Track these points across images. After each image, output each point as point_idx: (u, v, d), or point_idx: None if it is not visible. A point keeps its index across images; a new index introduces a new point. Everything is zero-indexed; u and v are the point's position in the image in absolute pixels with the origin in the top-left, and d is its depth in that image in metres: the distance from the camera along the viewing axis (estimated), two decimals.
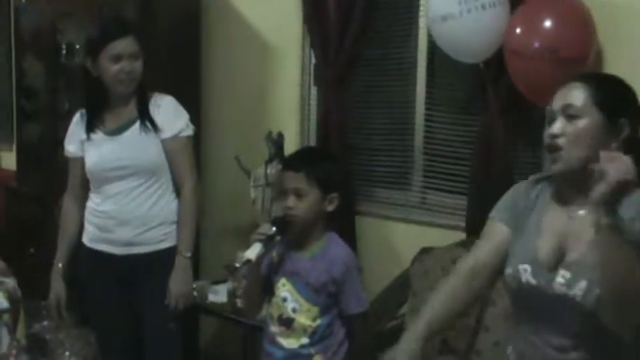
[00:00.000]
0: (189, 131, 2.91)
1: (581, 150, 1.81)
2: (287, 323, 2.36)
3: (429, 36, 3.32)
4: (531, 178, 2.04)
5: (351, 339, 2.40)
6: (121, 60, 2.76)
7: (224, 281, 3.52)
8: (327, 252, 2.36)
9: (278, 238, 2.30)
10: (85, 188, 2.93)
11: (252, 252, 2.27)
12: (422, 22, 3.38)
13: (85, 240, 2.94)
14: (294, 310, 2.35)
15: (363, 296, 2.40)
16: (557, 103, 1.87)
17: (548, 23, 2.66)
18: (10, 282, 3.36)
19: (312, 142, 3.76)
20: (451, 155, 3.34)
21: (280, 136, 3.50)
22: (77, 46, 3.98)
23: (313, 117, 3.78)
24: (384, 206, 3.58)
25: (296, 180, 2.33)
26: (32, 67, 4.51)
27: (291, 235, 2.35)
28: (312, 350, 2.35)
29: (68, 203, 2.98)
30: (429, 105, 3.42)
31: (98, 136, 2.87)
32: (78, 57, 3.90)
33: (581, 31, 2.67)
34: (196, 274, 3.24)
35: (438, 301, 1.99)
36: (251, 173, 3.54)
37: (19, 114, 4.73)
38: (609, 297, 1.71)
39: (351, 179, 3.53)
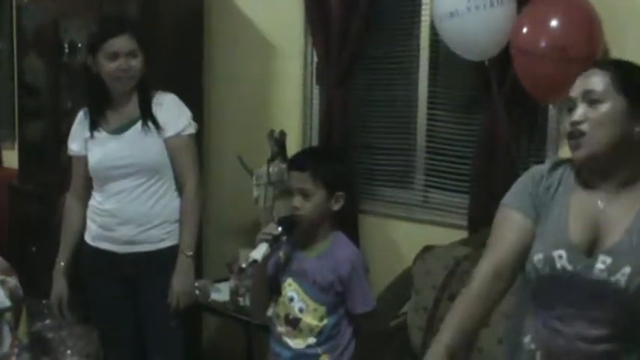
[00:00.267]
0: (192, 129, 2.91)
1: (605, 135, 1.77)
2: (293, 323, 2.35)
3: (432, 34, 3.33)
4: (548, 162, 1.99)
5: (358, 339, 2.39)
6: (117, 57, 2.77)
7: (226, 279, 3.52)
8: (333, 251, 2.35)
9: (284, 238, 2.29)
10: (88, 187, 2.93)
11: (259, 252, 2.25)
12: (424, 21, 3.38)
13: (87, 238, 2.94)
14: (300, 310, 2.34)
15: (370, 296, 2.38)
16: (576, 90, 1.84)
17: (555, 22, 2.66)
18: (12, 280, 3.35)
19: (315, 141, 3.76)
20: (453, 154, 3.34)
21: (282, 134, 3.50)
22: (79, 45, 3.98)
23: (315, 115, 3.78)
24: (387, 205, 3.58)
25: (302, 180, 2.31)
26: (34, 65, 4.51)
27: (298, 234, 2.34)
28: (319, 350, 2.33)
29: (71, 202, 2.98)
30: (431, 104, 3.42)
31: (101, 134, 2.87)
32: (80, 55, 3.91)
33: (589, 30, 2.67)
34: (199, 273, 3.24)
35: (462, 311, 1.87)
36: (253, 172, 3.54)
37: (21, 112, 4.73)
38: None
39: (353, 178, 3.53)
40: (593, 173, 1.85)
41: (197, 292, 3.21)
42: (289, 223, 2.31)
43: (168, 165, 2.86)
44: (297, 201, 2.31)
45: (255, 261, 2.26)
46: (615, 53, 2.73)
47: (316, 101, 3.79)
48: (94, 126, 2.88)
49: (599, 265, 1.77)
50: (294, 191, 2.33)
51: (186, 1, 4.04)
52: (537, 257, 1.84)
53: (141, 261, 2.84)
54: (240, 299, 3.34)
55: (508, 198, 1.94)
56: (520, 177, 1.96)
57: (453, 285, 2.80)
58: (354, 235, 3.37)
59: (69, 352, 3.51)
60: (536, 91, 2.73)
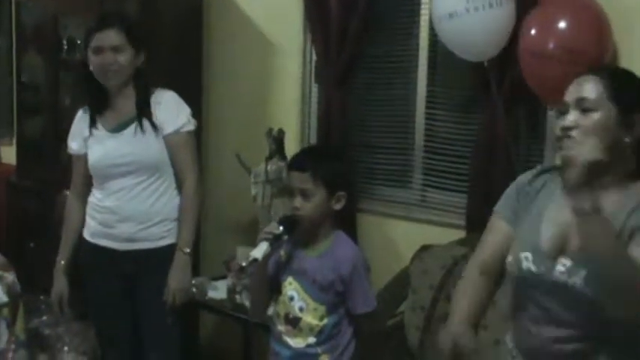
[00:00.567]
0: (191, 126, 2.90)
1: (594, 142, 1.78)
2: (293, 322, 2.34)
3: (431, 34, 3.33)
4: (538, 167, 2.05)
5: (358, 339, 2.39)
6: (101, 52, 2.78)
7: (224, 277, 3.52)
8: (334, 250, 2.35)
9: (285, 237, 2.29)
10: (88, 185, 2.93)
11: (259, 251, 2.25)
12: (423, 20, 3.38)
13: (87, 235, 2.94)
14: (300, 309, 2.33)
15: (371, 296, 2.37)
16: (570, 95, 1.86)
17: (564, 24, 2.66)
18: (10, 276, 3.35)
19: (313, 140, 3.76)
20: (451, 153, 3.35)
21: (281, 132, 3.50)
22: (78, 42, 3.99)
23: (314, 114, 3.78)
24: (385, 204, 3.58)
25: (302, 180, 2.31)
26: (33, 61, 4.51)
27: (299, 234, 2.34)
28: (318, 350, 2.33)
29: (72, 200, 2.98)
30: (429, 103, 3.42)
31: (100, 132, 2.87)
32: (79, 52, 3.91)
33: (598, 31, 2.67)
34: (196, 270, 3.24)
35: (463, 295, 2.07)
36: (251, 170, 3.54)
37: (19, 108, 4.73)
38: (606, 284, 1.72)
39: (353, 177, 3.53)
40: (577, 180, 1.85)
41: (194, 289, 3.22)
42: (290, 222, 2.30)
43: (169, 163, 2.86)
44: (298, 201, 2.31)
45: (255, 260, 2.25)
46: (623, 53, 2.74)
47: (315, 100, 3.79)
48: (92, 123, 2.88)
49: (559, 268, 1.83)
50: (295, 191, 2.32)
51: None
52: (508, 259, 1.94)
53: (140, 258, 2.84)
54: (238, 297, 3.34)
55: (499, 204, 2.07)
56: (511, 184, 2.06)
57: (450, 284, 2.80)
58: (352, 233, 3.36)
59: (66, 348, 3.52)
60: (544, 92, 2.73)
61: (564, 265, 1.82)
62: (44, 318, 3.61)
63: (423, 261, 3.00)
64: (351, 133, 3.61)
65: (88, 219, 2.93)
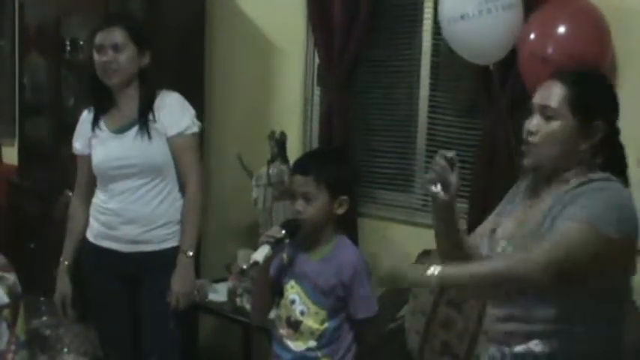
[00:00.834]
0: (195, 128, 2.89)
1: (552, 149, 1.90)
2: (295, 326, 2.35)
3: (434, 38, 3.33)
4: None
5: (359, 344, 2.39)
6: (102, 50, 2.78)
7: (224, 280, 3.52)
8: (336, 255, 2.35)
9: (287, 241, 2.29)
10: (92, 186, 2.93)
11: (260, 254, 2.25)
12: (426, 24, 3.39)
13: (90, 236, 2.93)
14: (302, 313, 2.34)
15: (373, 301, 2.37)
16: (536, 99, 1.95)
17: (564, 28, 2.66)
18: (11, 277, 3.34)
19: (315, 143, 3.76)
20: None
21: (283, 135, 3.50)
22: (81, 42, 3.98)
23: (316, 117, 3.78)
24: (386, 208, 3.58)
25: (305, 184, 2.31)
26: (36, 62, 4.50)
27: (301, 237, 2.34)
28: (319, 354, 2.34)
29: (75, 201, 2.98)
30: (432, 107, 3.42)
31: (104, 133, 2.87)
32: (82, 53, 3.91)
33: (597, 35, 2.68)
34: (197, 273, 3.23)
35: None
36: (253, 173, 3.54)
37: (21, 109, 4.73)
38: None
39: (357, 181, 3.52)
40: (538, 179, 1.99)
41: (195, 292, 3.21)
42: (292, 226, 2.31)
43: (172, 165, 2.85)
44: (300, 205, 2.31)
45: (256, 262, 2.25)
46: (621, 56, 2.75)
47: (317, 103, 3.79)
48: (95, 123, 2.88)
49: (498, 249, 1.98)
50: (297, 195, 2.32)
51: (188, 1, 4.04)
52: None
53: (143, 261, 2.84)
54: (238, 300, 3.34)
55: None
56: None
57: (450, 289, 2.80)
58: (353, 238, 3.36)
59: (66, 349, 3.51)
60: None
61: (501, 247, 1.98)
62: (44, 319, 3.60)
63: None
64: (353, 136, 3.60)
65: (91, 220, 2.92)
